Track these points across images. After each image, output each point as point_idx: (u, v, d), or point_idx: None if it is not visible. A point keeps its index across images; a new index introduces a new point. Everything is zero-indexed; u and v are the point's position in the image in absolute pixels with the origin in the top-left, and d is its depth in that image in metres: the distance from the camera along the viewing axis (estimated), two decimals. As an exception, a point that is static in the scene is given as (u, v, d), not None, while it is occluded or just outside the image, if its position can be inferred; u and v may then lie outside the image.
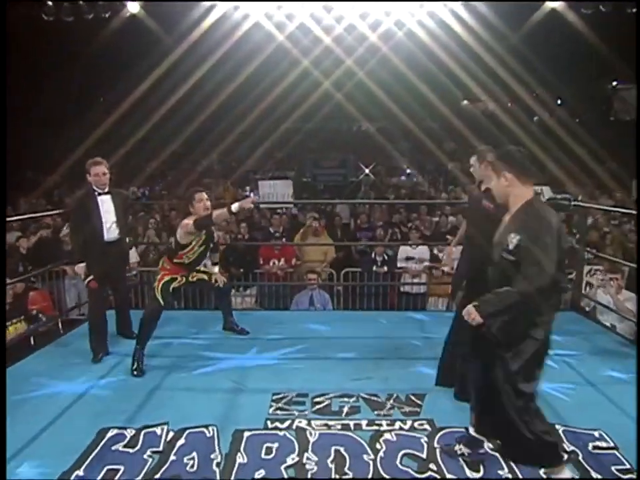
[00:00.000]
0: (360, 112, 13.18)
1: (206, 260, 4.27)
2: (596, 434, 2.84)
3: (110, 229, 4.03)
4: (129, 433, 2.87)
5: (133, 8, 8.22)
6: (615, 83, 15.20)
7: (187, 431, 2.88)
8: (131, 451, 2.72)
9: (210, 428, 2.91)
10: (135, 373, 3.66)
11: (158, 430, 2.90)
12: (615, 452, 2.69)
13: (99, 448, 2.74)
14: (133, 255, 6.63)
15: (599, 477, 2.50)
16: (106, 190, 4.04)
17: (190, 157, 13.91)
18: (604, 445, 2.75)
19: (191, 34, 7.83)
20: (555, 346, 4.15)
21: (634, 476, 2.51)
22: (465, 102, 18.06)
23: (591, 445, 2.74)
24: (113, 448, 2.74)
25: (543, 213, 2.30)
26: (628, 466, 2.58)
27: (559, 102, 15.05)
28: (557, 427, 2.91)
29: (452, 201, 9.49)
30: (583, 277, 5.03)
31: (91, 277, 3.97)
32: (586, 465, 2.59)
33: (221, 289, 4.29)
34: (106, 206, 4.02)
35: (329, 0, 7.42)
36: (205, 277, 4.19)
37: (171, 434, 2.86)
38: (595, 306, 4.93)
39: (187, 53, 8.40)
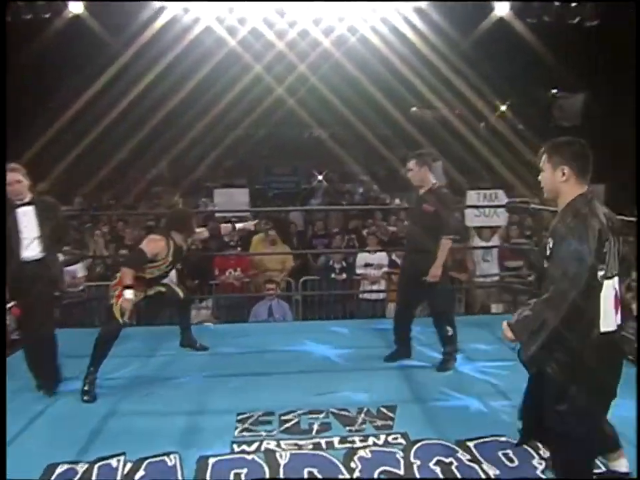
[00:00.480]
0: (312, 118, 13.13)
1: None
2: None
3: (30, 245, 3.45)
4: (81, 468, 2.62)
5: (76, 8, 7.78)
6: (554, 91, 15.87)
7: (147, 461, 2.66)
8: (83, 488, 2.48)
9: (171, 456, 2.69)
10: (87, 398, 3.38)
11: (114, 462, 2.66)
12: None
13: (47, 487, 2.49)
14: (80, 269, 6.28)
15: None
16: (26, 200, 3.47)
17: (138, 164, 13.41)
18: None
19: (139, 37, 7.47)
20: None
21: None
22: (414, 108, 18.40)
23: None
24: (63, 486, 2.49)
25: (579, 215, 2.03)
26: (603, 469, 2.56)
27: (504, 108, 15.53)
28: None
29: (407, 207, 9.56)
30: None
31: (12, 303, 3.54)
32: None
33: (182, 302, 4.07)
34: (26, 219, 3.44)
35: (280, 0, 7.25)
36: (163, 289, 3.95)
37: (129, 465, 2.63)
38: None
39: (134, 57, 8.01)
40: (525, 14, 8.15)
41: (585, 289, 1.96)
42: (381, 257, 6.88)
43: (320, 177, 17.42)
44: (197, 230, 4.17)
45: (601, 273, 1.99)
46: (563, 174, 2.12)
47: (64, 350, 4.10)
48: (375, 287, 6.76)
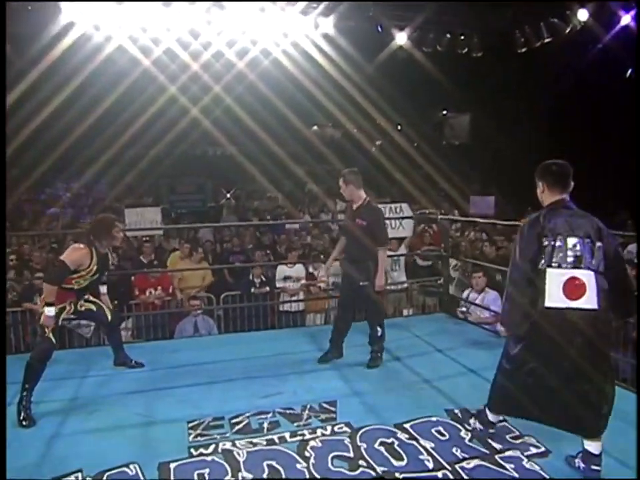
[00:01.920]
0: (219, 136, 13.18)
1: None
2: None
3: None
4: (38, 488, 2.60)
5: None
6: (444, 112, 17.33)
7: (106, 474, 2.69)
8: (45, 507, 2.47)
9: (131, 466, 2.75)
10: (25, 423, 3.28)
11: (72, 479, 2.66)
12: (505, 424, 3.13)
13: (4, 511, 2.44)
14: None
15: (500, 446, 2.91)
16: None
17: (32, 186, 12.60)
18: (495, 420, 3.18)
19: (46, 57, 7.08)
20: (437, 342, 4.70)
21: (523, 440, 2.96)
22: (315, 127, 19.09)
23: (486, 422, 3.16)
24: (23, 507, 2.46)
25: (533, 218, 2.67)
26: (517, 432, 3.04)
27: (399, 127, 16.65)
28: (456, 410, 3.31)
29: (316, 220, 9.97)
30: (449, 282, 5.69)
31: None
32: (488, 439, 2.98)
33: (110, 321, 4.05)
34: None
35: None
36: (94, 307, 3.92)
37: (89, 480, 2.65)
38: (466, 309, 5.56)
39: (40, 77, 7.55)
40: (421, 44, 9.00)
41: (529, 274, 2.56)
42: (299, 270, 7.14)
43: (228, 195, 17.42)
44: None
45: (541, 262, 2.53)
46: (541, 187, 2.74)
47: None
48: (294, 299, 6.99)
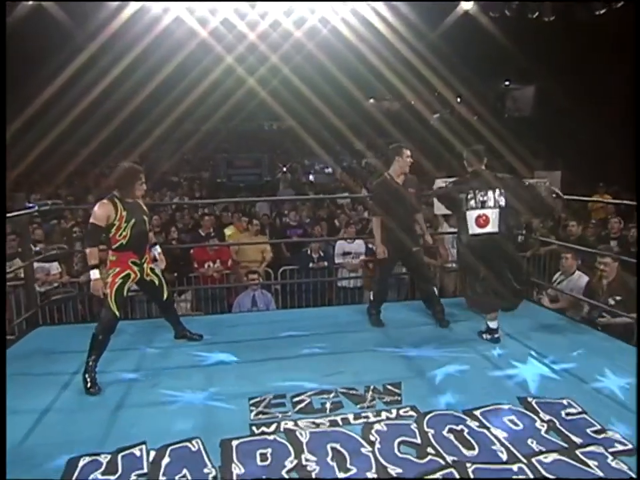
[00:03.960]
0: (273, 111, 13.06)
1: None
2: (564, 402, 3.05)
3: None
4: (104, 459, 2.61)
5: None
6: (507, 83, 16.49)
7: (169, 448, 2.67)
8: (112, 478, 2.47)
9: (194, 441, 2.72)
10: (92, 390, 3.35)
11: (136, 451, 2.67)
12: (585, 416, 2.90)
13: None
14: (55, 267, 6.13)
15: (580, 440, 2.68)
16: None
17: (103, 161, 12.98)
18: (574, 411, 2.96)
19: (105, 28, 7.17)
20: (506, 325, 4.43)
21: (606, 435, 2.73)
22: (371, 100, 18.65)
23: (563, 413, 2.94)
24: (91, 477, 2.48)
25: (460, 180, 4.27)
26: (598, 426, 2.80)
27: (459, 100, 15.98)
28: (529, 399, 3.10)
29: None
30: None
31: None
32: (564, 430, 2.77)
33: (166, 299, 4.05)
34: None
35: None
36: (157, 281, 3.92)
37: (153, 453, 2.64)
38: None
39: (100, 50, 7.67)
40: (489, 7, 8.43)
41: (460, 215, 4.09)
42: (359, 245, 6.96)
43: (284, 169, 17.39)
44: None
45: (463, 208, 4.01)
46: (467, 163, 4.18)
47: (58, 346, 4.08)
48: (352, 275, 6.85)
